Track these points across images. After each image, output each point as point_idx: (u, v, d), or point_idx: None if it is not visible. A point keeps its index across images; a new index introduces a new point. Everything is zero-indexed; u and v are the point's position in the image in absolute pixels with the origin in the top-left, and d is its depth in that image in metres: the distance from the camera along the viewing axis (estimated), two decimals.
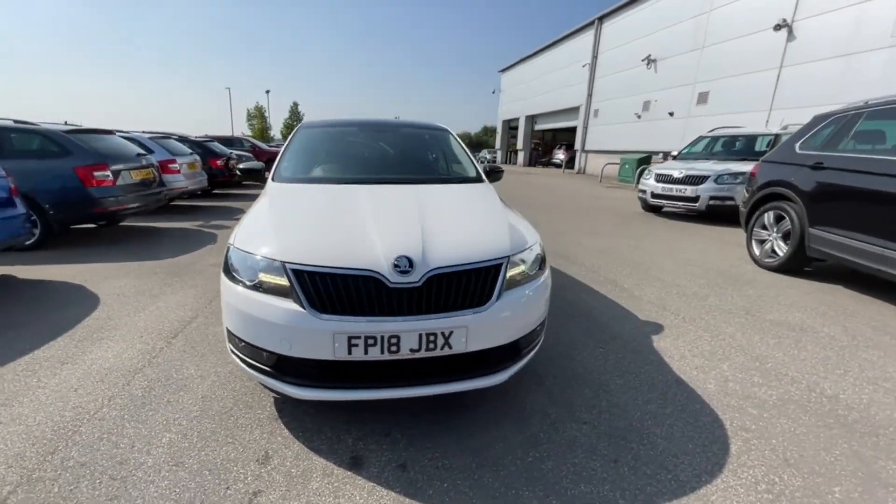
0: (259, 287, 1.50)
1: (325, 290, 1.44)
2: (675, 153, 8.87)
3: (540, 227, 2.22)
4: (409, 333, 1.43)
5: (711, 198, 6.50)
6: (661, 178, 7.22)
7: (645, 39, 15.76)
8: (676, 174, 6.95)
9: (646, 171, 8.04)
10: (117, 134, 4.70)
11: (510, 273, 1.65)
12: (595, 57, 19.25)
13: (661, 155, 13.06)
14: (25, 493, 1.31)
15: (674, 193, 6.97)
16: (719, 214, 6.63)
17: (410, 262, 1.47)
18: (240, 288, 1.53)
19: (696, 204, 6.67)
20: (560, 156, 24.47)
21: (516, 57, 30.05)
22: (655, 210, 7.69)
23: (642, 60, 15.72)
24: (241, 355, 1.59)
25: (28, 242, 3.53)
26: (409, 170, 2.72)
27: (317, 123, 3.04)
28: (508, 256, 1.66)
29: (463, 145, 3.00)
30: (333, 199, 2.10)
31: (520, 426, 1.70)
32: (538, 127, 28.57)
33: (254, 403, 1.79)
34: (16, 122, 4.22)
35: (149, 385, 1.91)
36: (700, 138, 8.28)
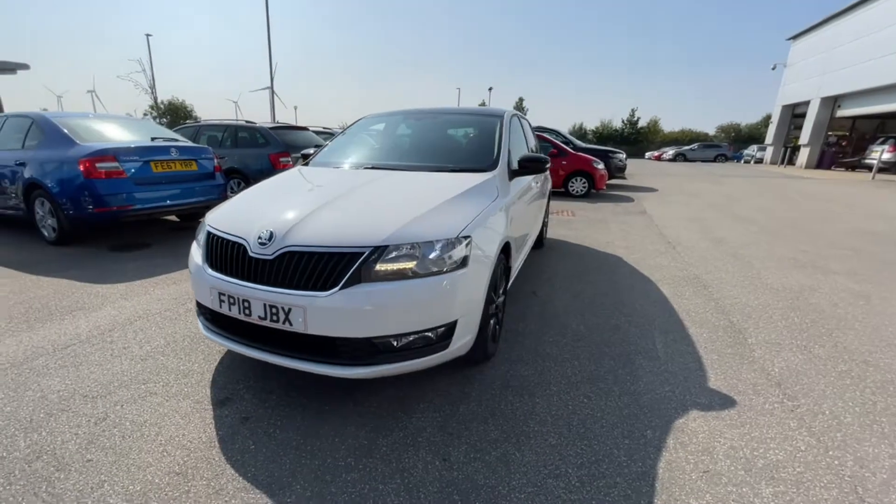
0: (198, 244, 2.02)
1: (215, 250, 1.81)
2: None
3: None
4: (256, 301, 1.63)
5: None
6: None
7: None
8: None
9: None
10: (310, 130, 6.81)
11: (396, 266, 1.57)
12: None
13: None
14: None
15: None
16: None
17: (272, 236, 1.65)
18: (193, 245, 2.10)
19: None
20: (887, 153, 16.53)
21: (817, 17, 21.98)
22: None
23: None
24: None
25: None
26: (422, 157, 2.79)
27: (378, 113, 3.46)
28: (376, 247, 1.58)
29: (505, 132, 2.76)
30: (306, 180, 2.45)
31: None
32: (844, 112, 20.16)
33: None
34: (247, 122, 6.57)
35: None
36: None
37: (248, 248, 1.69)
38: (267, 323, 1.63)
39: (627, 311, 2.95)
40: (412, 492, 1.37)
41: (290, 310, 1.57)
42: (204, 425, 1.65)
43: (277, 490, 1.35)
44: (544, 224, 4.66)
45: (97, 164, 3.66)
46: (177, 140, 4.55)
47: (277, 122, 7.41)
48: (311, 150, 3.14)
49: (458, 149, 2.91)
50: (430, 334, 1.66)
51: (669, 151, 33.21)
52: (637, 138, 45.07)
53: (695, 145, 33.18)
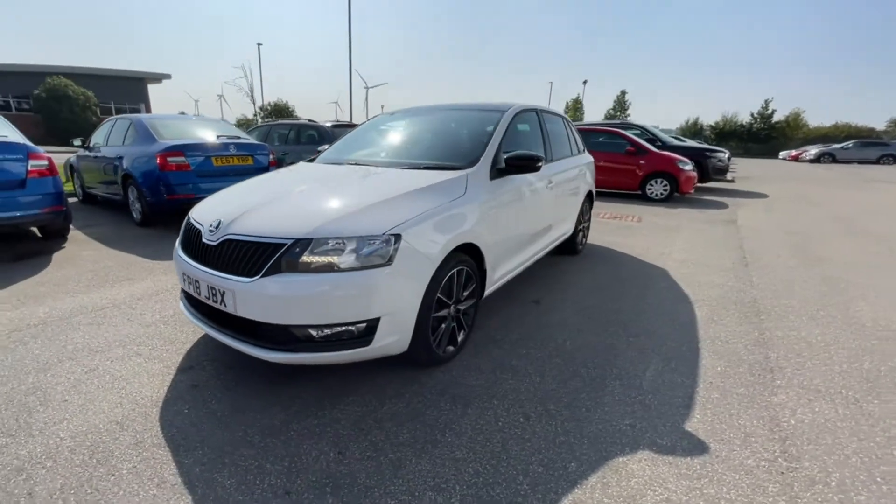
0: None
1: (186, 234, 2.08)
2: None
3: None
4: (203, 282, 1.85)
5: None
6: None
7: None
8: None
9: None
10: None
11: (320, 259, 1.68)
12: None
13: None
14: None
15: None
16: None
17: (219, 224, 1.86)
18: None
19: None
20: None
21: None
22: None
23: None
24: None
25: None
26: (404, 154, 2.87)
27: (391, 111, 3.57)
28: (298, 239, 1.69)
29: (500, 130, 2.67)
30: (286, 175, 2.65)
31: None
32: None
33: None
34: (309, 120, 7.18)
35: None
36: None
37: (202, 233, 1.93)
38: (210, 302, 1.85)
39: (636, 330, 2.65)
40: (291, 476, 1.45)
41: (224, 292, 1.76)
42: (160, 386, 1.94)
43: (182, 452, 1.54)
44: (582, 228, 4.37)
45: (168, 158, 4.43)
46: (239, 137, 5.25)
47: (336, 121, 8.08)
48: (323, 147, 3.39)
49: (443, 146, 2.89)
50: (350, 328, 1.72)
51: (812, 150, 28.01)
52: (770, 135, 38.74)
53: (849, 143, 27.45)
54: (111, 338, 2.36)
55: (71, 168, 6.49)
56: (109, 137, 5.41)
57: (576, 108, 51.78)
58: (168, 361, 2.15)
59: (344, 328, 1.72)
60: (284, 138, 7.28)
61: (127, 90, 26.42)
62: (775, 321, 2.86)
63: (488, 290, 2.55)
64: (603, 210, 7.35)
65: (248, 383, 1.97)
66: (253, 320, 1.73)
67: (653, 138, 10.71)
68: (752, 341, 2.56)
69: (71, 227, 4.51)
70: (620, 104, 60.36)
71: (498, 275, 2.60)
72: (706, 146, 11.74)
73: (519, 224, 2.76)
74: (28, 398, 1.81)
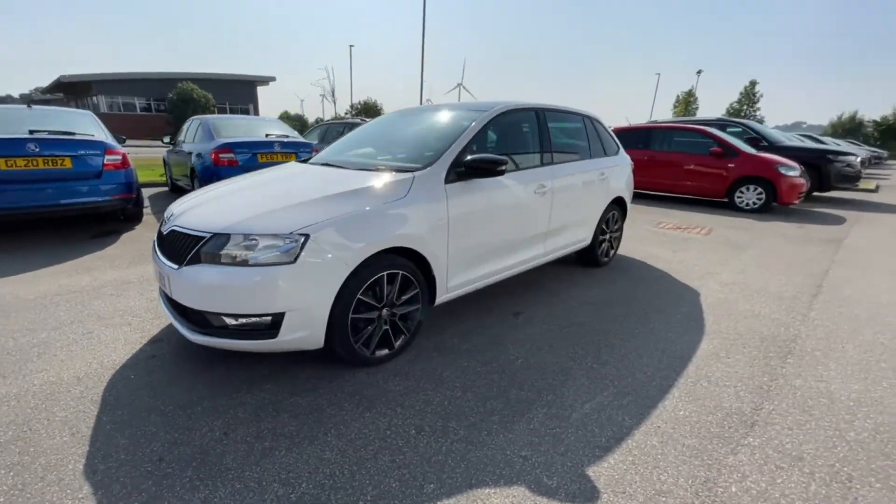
0: None
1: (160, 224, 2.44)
2: None
3: None
4: (156, 266, 2.17)
5: None
6: None
7: None
8: None
9: None
10: None
11: (233, 252, 1.88)
12: None
13: None
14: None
15: None
16: None
17: (171, 216, 2.16)
18: None
19: None
20: None
21: None
22: None
23: None
24: None
25: None
26: (376, 155, 2.96)
27: (390, 112, 3.67)
28: (215, 233, 1.91)
29: (470, 132, 2.61)
30: (259, 174, 2.88)
31: None
32: None
33: None
34: (362, 119, 7.58)
35: None
36: None
37: (163, 223, 2.25)
38: (160, 284, 2.16)
39: (608, 357, 2.42)
40: (172, 446, 1.65)
41: (168, 277, 2.05)
42: (127, 353, 2.31)
43: (106, 410, 1.84)
44: (608, 238, 4.05)
45: (220, 155, 5.11)
46: (287, 136, 5.84)
47: None
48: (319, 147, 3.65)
49: (411, 148, 2.90)
50: (256, 320, 1.88)
51: None
52: None
53: None
54: (118, 308, 2.86)
55: (164, 161, 7.82)
56: (186, 135, 6.42)
57: (687, 102, 46.77)
58: (147, 333, 2.54)
59: (252, 319, 1.88)
60: (340, 135, 7.87)
61: (239, 92, 30.79)
62: (803, 367, 2.38)
63: (443, 298, 2.54)
64: (668, 219, 6.65)
65: (194, 361, 2.25)
66: (180, 303, 1.99)
67: (755, 137, 9.33)
68: (751, 388, 2.17)
69: (148, 211, 5.46)
70: (749, 97, 53.02)
71: (457, 282, 2.57)
72: (829, 147, 9.87)
73: (490, 230, 2.69)
74: (32, 350, 2.30)
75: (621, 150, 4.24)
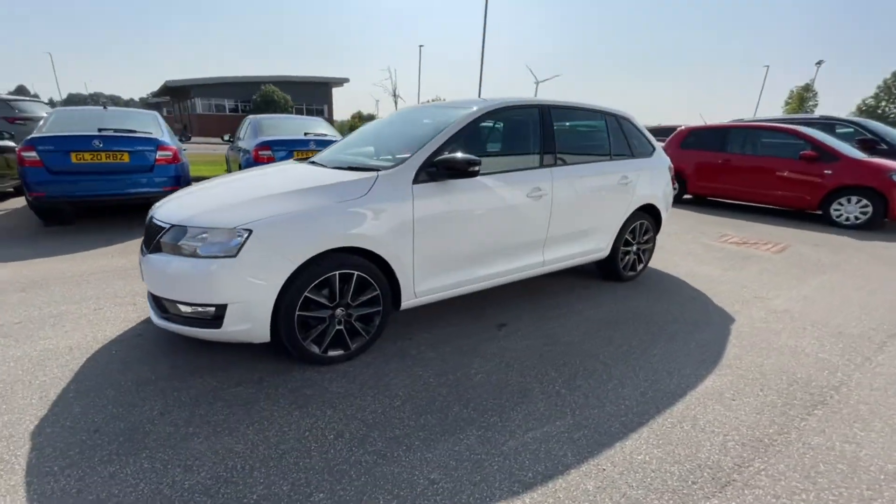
0: None
1: None
2: None
3: None
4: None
5: None
6: None
7: None
8: None
9: None
10: None
11: (188, 243, 2.02)
12: None
13: None
14: None
15: None
16: None
17: (154, 207, 2.37)
18: None
19: None
20: None
21: None
22: None
23: None
24: None
25: None
26: (357, 154, 2.98)
27: (397, 111, 3.68)
28: (173, 225, 2.06)
29: (448, 132, 2.53)
30: (251, 171, 3.06)
31: None
32: None
33: None
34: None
35: None
36: None
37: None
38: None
39: (582, 383, 2.22)
40: (111, 419, 1.81)
41: (140, 262, 2.26)
42: (120, 330, 2.59)
43: (78, 379, 2.07)
44: (634, 251, 3.72)
45: (259, 152, 5.53)
46: (325, 135, 6.16)
47: None
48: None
49: (390, 147, 2.88)
50: (201, 310, 2.00)
51: None
52: None
53: None
54: (132, 289, 3.21)
55: (226, 158, 8.66)
56: (241, 134, 7.05)
57: (802, 98, 41.24)
58: (144, 313, 2.82)
59: (198, 308, 2.01)
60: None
61: (315, 93, 33.22)
62: (832, 424, 1.97)
63: (411, 303, 2.50)
64: (736, 231, 5.92)
65: (171, 343, 2.45)
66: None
67: (871, 139, 7.95)
68: (746, 439, 1.84)
69: None
70: (890, 91, 45.52)
71: (427, 288, 2.51)
72: None
73: (469, 234, 2.59)
74: (48, 320, 2.68)
75: (658, 151, 3.84)
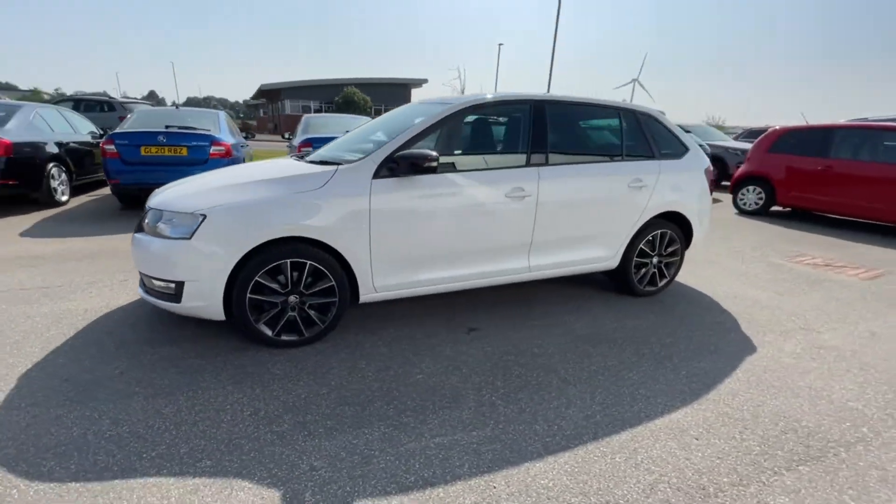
0: None
1: None
2: None
3: None
4: None
5: None
6: None
7: None
8: None
9: None
10: None
11: (160, 225, 2.32)
12: None
13: None
14: None
15: None
16: None
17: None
18: None
19: None
20: None
21: None
22: None
23: None
24: None
25: None
26: (340, 148, 3.17)
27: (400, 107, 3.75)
28: (151, 208, 2.38)
29: (417, 128, 2.55)
30: (246, 164, 3.33)
31: None
32: None
33: None
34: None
35: None
36: None
37: None
38: None
39: (523, 396, 2.12)
40: (80, 373, 2.13)
41: None
42: (129, 298, 3.01)
43: (77, 335, 2.48)
44: (660, 264, 3.42)
45: (302, 148, 6.00)
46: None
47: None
48: None
49: (366, 142, 2.94)
50: (164, 284, 2.27)
51: None
52: None
53: None
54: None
55: (288, 153, 9.53)
56: (295, 130, 7.71)
57: None
58: None
59: (162, 284, 2.28)
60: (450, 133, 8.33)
61: (394, 94, 34.72)
62: (820, 484, 1.65)
63: (370, 297, 2.57)
64: (822, 251, 5.10)
65: (163, 313, 2.80)
66: None
67: None
68: (687, 484, 1.62)
69: None
70: None
71: (387, 283, 2.56)
72: None
73: (435, 233, 2.59)
74: (84, 286, 3.20)
75: (692, 153, 3.46)
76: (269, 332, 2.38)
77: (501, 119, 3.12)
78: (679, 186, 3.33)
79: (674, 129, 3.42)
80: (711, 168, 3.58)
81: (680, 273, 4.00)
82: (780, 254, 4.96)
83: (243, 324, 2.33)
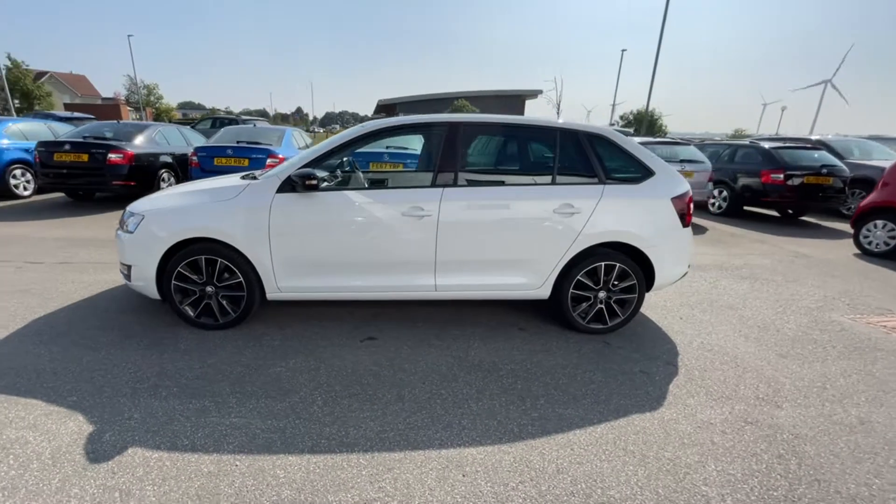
0: None
1: None
2: None
3: None
4: None
5: None
6: None
7: None
8: None
9: None
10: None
11: (126, 221, 3.19)
12: None
13: None
14: None
15: None
16: None
17: None
18: None
19: None
20: None
21: None
22: None
23: None
24: None
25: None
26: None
27: None
28: (125, 209, 3.22)
29: (325, 146, 2.98)
30: (218, 178, 4.05)
31: None
32: None
33: None
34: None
35: None
36: None
37: None
38: None
39: (357, 405, 2.37)
40: (67, 321, 3.06)
41: None
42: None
43: (82, 301, 3.49)
44: (608, 300, 3.24)
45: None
46: (405, 148, 7.08)
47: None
48: None
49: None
50: (122, 266, 3.10)
51: None
52: None
53: None
54: None
55: None
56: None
57: None
58: None
59: (122, 266, 3.11)
60: None
61: (507, 106, 35.10)
62: None
63: (276, 296, 3.06)
64: (882, 305, 4.00)
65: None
66: None
67: None
68: None
69: None
70: None
71: (290, 285, 3.02)
72: None
73: (331, 244, 2.95)
74: (97, 265, 4.35)
75: (657, 177, 3.17)
76: (191, 313, 3.05)
77: (398, 141, 3.30)
78: (630, 214, 3.11)
79: (634, 152, 3.19)
80: (689, 194, 3.22)
81: (670, 315, 3.66)
82: (856, 308, 4.02)
83: (169, 302, 3.03)
